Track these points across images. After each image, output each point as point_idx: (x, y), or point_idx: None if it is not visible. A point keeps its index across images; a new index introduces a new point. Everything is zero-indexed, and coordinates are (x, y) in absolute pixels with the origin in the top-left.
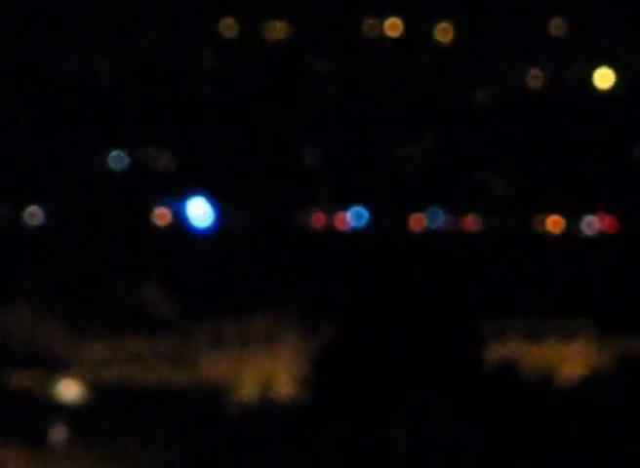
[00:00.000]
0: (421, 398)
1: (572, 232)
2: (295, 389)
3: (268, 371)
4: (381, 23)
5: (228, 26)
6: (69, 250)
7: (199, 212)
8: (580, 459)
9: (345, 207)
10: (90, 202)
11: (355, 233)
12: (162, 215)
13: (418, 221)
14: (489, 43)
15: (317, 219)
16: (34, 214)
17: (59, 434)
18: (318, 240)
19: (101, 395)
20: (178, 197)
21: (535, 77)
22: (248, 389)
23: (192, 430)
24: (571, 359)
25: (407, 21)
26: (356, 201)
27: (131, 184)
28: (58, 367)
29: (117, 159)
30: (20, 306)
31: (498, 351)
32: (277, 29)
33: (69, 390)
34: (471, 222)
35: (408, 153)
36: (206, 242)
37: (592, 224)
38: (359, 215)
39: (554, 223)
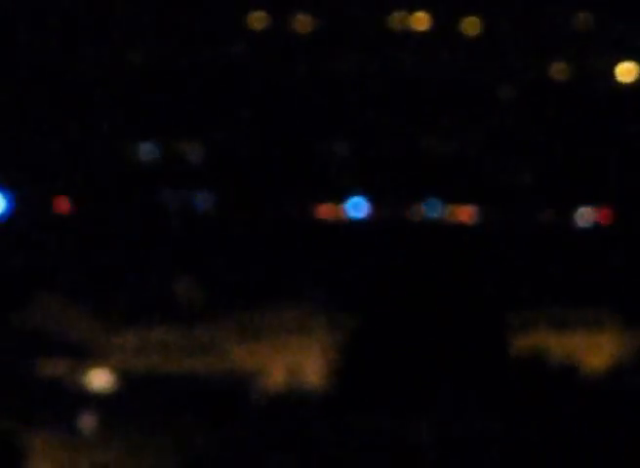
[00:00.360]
0: (449, 390)
1: (597, 223)
2: (323, 379)
3: (297, 361)
4: (408, 17)
5: (258, 19)
6: (100, 239)
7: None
8: (607, 449)
9: (345, 198)
10: (120, 192)
11: (377, 224)
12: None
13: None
14: (515, 36)
15: (324, 211)
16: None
17: (88, 423)
18: (345, 231)
19: (131, 384)
20: (208, 189)
21: (559, 70)
22: (276, 379)
23: (221, 419)
24: (597, 349)
25: (434, 15)
26: (358, 191)
27: (161, 175)
28: (88, 356)
29: (148, 150)
30: (50, 295)
31: (524, 342)
32: (305, 23)
33: (99, 379)
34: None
35: (432, 146)
36: (236, 232)
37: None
38: (359, 206)
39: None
